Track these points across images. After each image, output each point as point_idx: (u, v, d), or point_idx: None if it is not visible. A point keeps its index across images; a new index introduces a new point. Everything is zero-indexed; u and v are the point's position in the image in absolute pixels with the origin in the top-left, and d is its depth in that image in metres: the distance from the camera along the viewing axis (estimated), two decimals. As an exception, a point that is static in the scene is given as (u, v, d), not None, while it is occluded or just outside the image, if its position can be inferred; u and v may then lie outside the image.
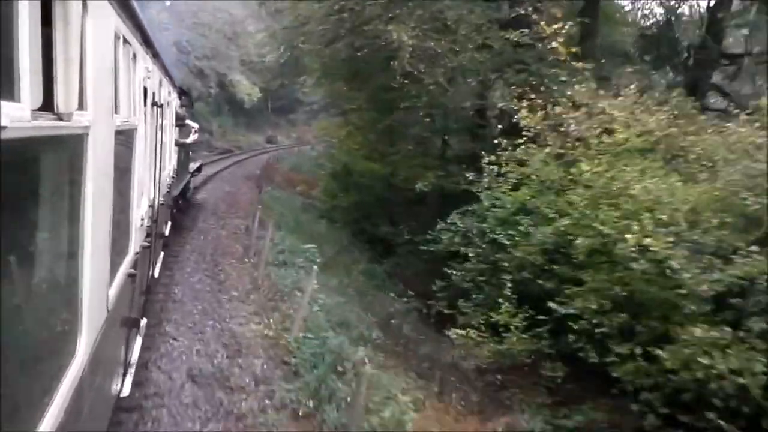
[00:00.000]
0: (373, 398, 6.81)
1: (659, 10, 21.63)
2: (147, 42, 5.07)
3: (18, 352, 1.98)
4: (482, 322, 11.56)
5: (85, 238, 2.57)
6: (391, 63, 15.81)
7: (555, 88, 14.70)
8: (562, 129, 12.53)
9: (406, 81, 16.55)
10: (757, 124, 10.60)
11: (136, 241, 4.77)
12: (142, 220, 5.33)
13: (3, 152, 1.48)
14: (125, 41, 3.78)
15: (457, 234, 13.95)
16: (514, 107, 13.51)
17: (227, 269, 11.89)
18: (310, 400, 6.55)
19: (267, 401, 6.46)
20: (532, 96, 13.34)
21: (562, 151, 12.39)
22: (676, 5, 21.18)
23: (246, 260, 12.66)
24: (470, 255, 13.02)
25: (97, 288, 2.90)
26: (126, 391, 4.58)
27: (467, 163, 16.70)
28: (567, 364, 10.46)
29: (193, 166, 17.95)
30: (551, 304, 10.34)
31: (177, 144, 12.37)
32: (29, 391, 2.09)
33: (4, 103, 1.46)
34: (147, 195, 5.88)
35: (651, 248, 8.82)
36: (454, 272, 13.17)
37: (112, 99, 3.22)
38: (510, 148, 13.17)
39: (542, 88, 14.50)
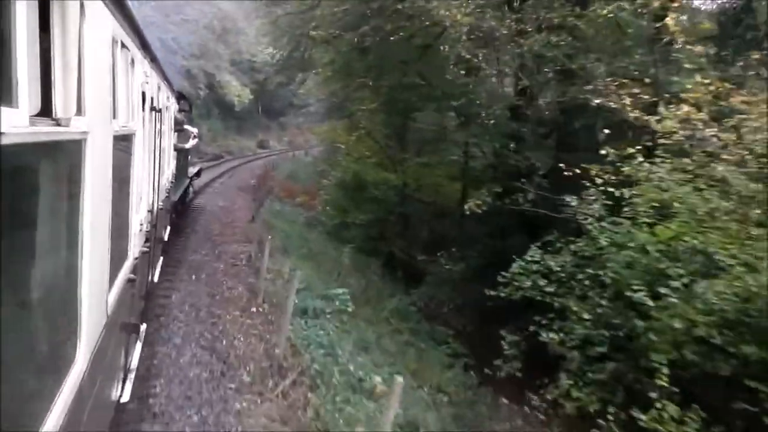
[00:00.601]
0: None
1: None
2: (145, 46, 5.06)
3: (18, 358, 1.98)
4: (610, 417, 7.87)
5: (84, 244, 2.57)
6: (441, 48, 13.32)
7: (675, 79, 11.61)
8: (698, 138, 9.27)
9: (462, 72, 14.15)
10: None
11: (135, 246, 4.76)
12: (141, 225, 5.32)
13: (1, 158, 1.48)
14: (123, 46, 3.77)
15: (536, 275, 10.42)
16: (613, 104, 10.30)
17: (229, 330, 8.78)
18: None
19: None
20: (635, 90, 10.16)
21: (694, 169, 8.96)
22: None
23: (254, 309, 9.81)
24: (575, 310, 9.27)
25: (97, 293, 2.90)
26: (126, 397, 4.57)
27: (527, 176, 14.12)
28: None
29: (192, 170, 17.98)
30: (742, 404, 6.96)
31: (176, 149, 12.34)
32: (29, 397, 2.08)
33: (3, 109, 1.46)
34: (146, 200, 5.87)
35: None
36: (543, 332, 9.55)
37: (110, 104, 3.21)
38: (623, 159, 9.39)
39: (647, 80, 11.27)
